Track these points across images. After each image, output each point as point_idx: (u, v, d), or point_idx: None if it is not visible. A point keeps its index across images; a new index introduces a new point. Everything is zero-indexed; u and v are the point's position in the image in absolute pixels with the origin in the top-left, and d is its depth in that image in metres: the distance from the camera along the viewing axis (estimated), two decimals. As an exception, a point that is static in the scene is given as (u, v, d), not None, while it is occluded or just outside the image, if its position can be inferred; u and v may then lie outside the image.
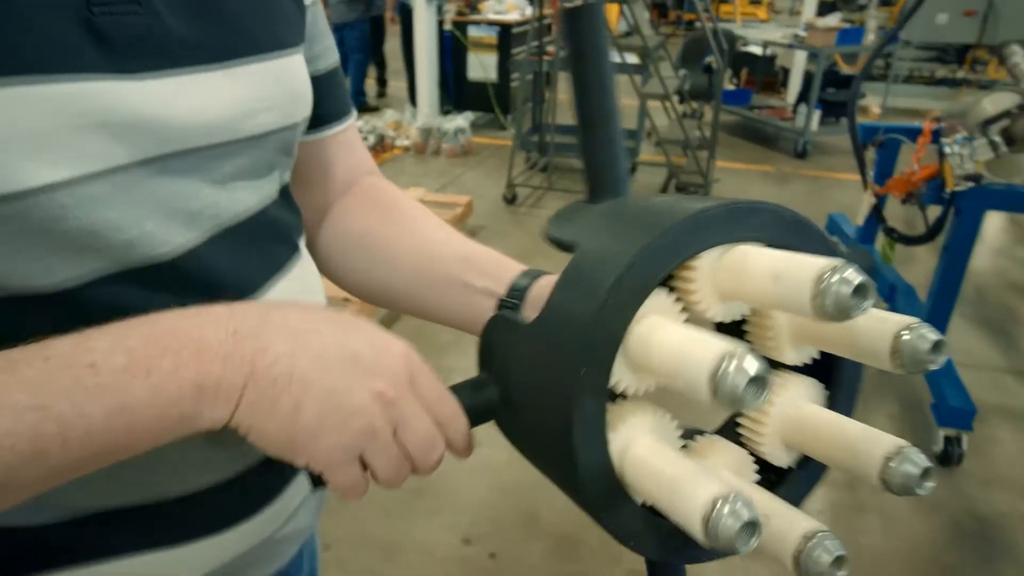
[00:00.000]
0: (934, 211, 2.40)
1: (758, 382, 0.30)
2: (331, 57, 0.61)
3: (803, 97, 5.47)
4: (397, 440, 0.40)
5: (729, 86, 6.07)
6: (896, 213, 2.92)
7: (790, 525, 0.37)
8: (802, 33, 5.27)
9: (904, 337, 0.33)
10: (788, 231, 0.37)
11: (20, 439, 0.32)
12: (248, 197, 0.48)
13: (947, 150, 2.17)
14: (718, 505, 0.31)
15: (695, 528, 0.32)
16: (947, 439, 2.20)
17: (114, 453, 0.36)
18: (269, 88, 0.48)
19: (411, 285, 0.59)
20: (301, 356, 0.37)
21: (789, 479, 0.43)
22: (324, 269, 0.63)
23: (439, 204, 3.71)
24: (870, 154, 2.97)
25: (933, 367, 0.33)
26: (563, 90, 4.93)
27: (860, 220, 2.95)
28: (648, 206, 0.39)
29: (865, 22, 6.12)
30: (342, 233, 0.62)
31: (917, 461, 0.35)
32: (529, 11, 5.07)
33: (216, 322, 0.37)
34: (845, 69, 6.19)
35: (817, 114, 5.17)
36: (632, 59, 4.48)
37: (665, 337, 0.34)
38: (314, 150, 0.62)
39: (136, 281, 0.41)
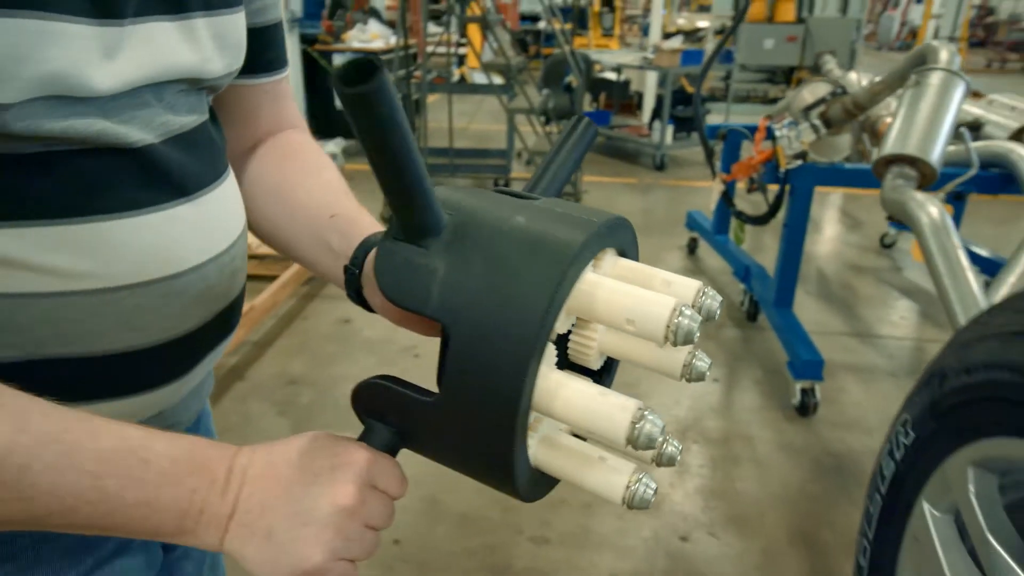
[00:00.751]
0: (774, 195, 2.69)
1: (665, 429, 0.39)
2: (275, 11, 0.66)
3: (656, 115, 5.90)
4: (369, 528, 0.45)
5: (589, 109, 6.43)
6: (743, 208, 3.21)
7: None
8: (651, 56, 5.71)
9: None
10: (609, 239, 0.44)
11: (70, 496, 0.40)
12: (187, 116, 0.53)
13: (777, 133, 2.45)
14: (632, 483, 0.42)
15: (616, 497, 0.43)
16: (803, 391, 2.44)
17: (112, 530, 0.42)
18: (213, 41, 0.53)
19: (295, 236, 0.63)
20: (270, 487, 0.43)
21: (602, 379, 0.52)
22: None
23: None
24: (717, 151, 3.28)
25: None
26: (433, 118, 5.04)
27: (712, 206, 3.23)
28: (502, 266, 0.40)
29: (705, 47, 6.72)
30: (249, 179, 0.66)
31: (704, 360, 0.44)
32: (393, 39, 5.17)
33: (232, 456, 0.44)
34: (691, 89, 6.74)
35: (670, 129, 5.60)
36: (498, 80, 4.67)
37: (570, 398, 0.40)
38: (246, 94, 0.65)
39: (108, 156, 0.46)
